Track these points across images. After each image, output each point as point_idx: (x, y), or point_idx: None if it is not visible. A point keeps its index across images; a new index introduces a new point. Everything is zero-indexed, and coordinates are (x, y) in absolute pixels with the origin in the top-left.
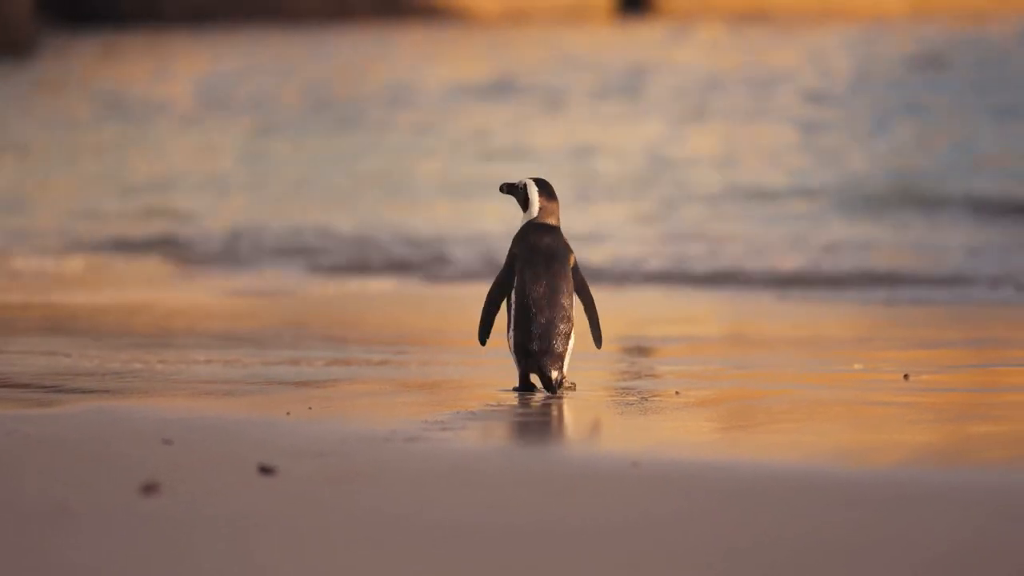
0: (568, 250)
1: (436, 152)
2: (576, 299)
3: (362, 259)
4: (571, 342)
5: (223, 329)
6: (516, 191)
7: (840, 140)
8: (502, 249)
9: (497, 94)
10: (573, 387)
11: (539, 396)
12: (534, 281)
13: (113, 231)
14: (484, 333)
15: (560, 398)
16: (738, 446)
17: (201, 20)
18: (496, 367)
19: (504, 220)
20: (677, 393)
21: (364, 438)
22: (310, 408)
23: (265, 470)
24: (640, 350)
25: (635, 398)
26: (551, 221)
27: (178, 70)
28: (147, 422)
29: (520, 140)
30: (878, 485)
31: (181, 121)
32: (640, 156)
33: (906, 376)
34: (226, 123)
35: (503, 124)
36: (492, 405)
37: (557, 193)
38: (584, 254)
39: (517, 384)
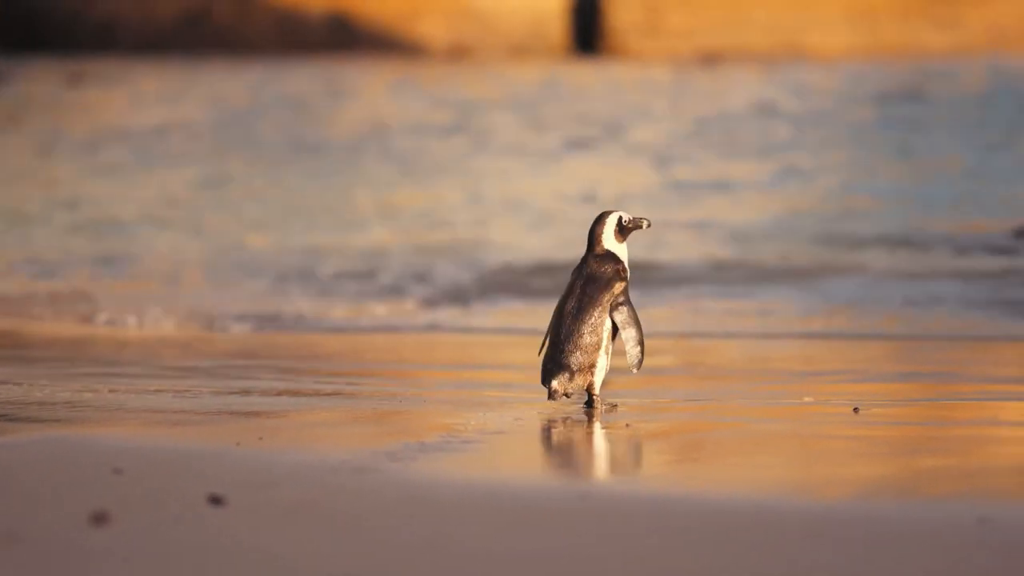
0: (617, 277)
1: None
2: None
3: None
4: (601, 361)
5: (175, 358)
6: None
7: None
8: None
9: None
10: (614, 407)
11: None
12: (570, 298)
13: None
14: (542, 345)
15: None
16: (688, 479)
17: (157, 50)
18: (447, 399)
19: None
20: (627, 425)
21: (314, 469)
22: (261, 438)
23: (215, 500)
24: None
25: (586, 431)
26: (599, 249)
27: (133, 100)
28: (97, 451)
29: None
30: (829, 519)
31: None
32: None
33: (856, 409)
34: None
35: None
36: (443, 436)
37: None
38: (540, 284)
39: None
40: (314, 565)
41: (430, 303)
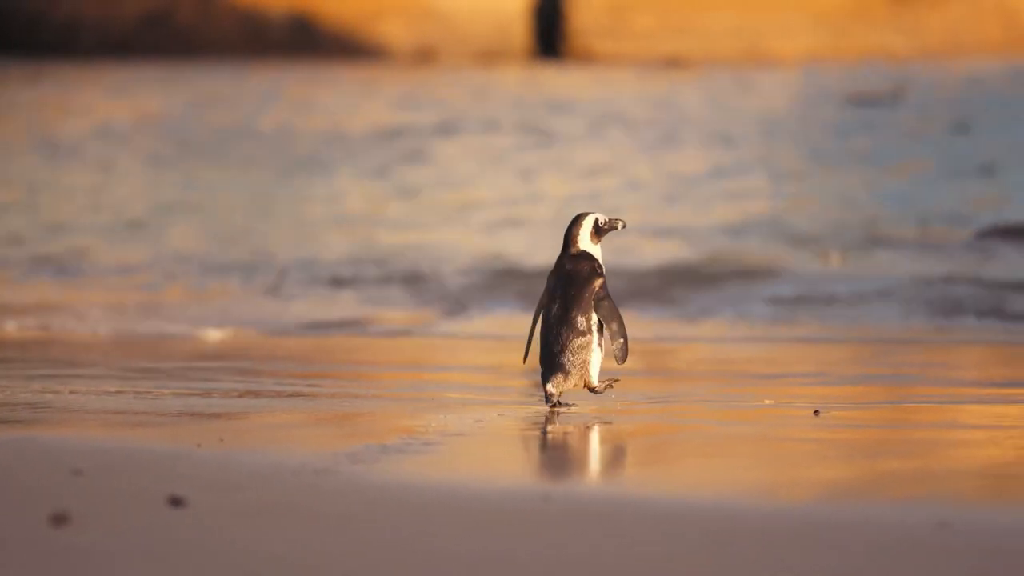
0: (595, 274)
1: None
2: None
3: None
4: (594, 356)
5: (135, 360)
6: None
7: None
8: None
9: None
10: (617, 380)
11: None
12: (552, 302)
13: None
14: (526, 351)
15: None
16: (650, 481)
17: (120, 53)
18: (408, 400)
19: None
20: (588, 427)
21: (275, 470)
22: (222, 440)
23: (175, 501)
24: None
25: (547, 432)
26: (575, 249)
27: (88, 106)
28: (57, 453)
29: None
30: (789, 521)
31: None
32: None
33: (816, 412)
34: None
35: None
36: (404, 438)
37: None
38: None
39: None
40: (275, 566)
41: (387, 305)
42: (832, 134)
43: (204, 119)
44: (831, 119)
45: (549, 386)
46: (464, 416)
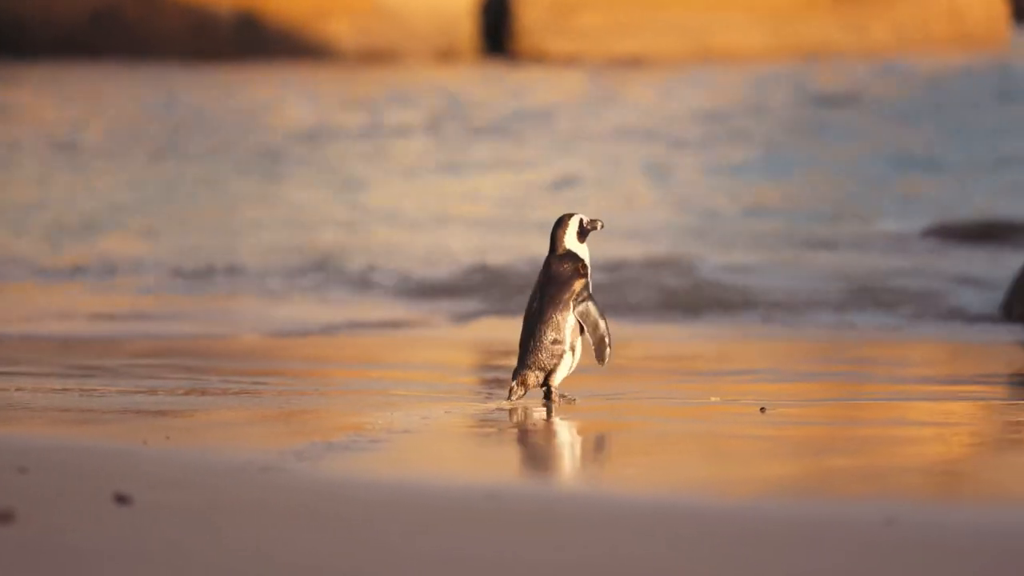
0: (577, 275)
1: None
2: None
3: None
4: (564, 360)
5: (81, 358)
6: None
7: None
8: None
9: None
10: (572, 401)
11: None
12: (534, 299)
13: None
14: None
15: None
16: (597, 478)
17: (64, 52)
18: (355, 398)
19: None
20: (535, 425)
21: (221, 468)
22: (168, 437)
23: (121, 499)
24: (499, 381)
25: (494, 429)
26: (564, 250)
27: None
28: (2, 450)
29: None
30: (734, 518)
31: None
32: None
33: (763, 409)
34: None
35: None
36: (350, 435)
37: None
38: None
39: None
40: (220, 564)
41: (332, 304)
42: (776, 132)
43: (131, 118)
44: (773, 117)
45: (513, 381)
46: (411, 413)
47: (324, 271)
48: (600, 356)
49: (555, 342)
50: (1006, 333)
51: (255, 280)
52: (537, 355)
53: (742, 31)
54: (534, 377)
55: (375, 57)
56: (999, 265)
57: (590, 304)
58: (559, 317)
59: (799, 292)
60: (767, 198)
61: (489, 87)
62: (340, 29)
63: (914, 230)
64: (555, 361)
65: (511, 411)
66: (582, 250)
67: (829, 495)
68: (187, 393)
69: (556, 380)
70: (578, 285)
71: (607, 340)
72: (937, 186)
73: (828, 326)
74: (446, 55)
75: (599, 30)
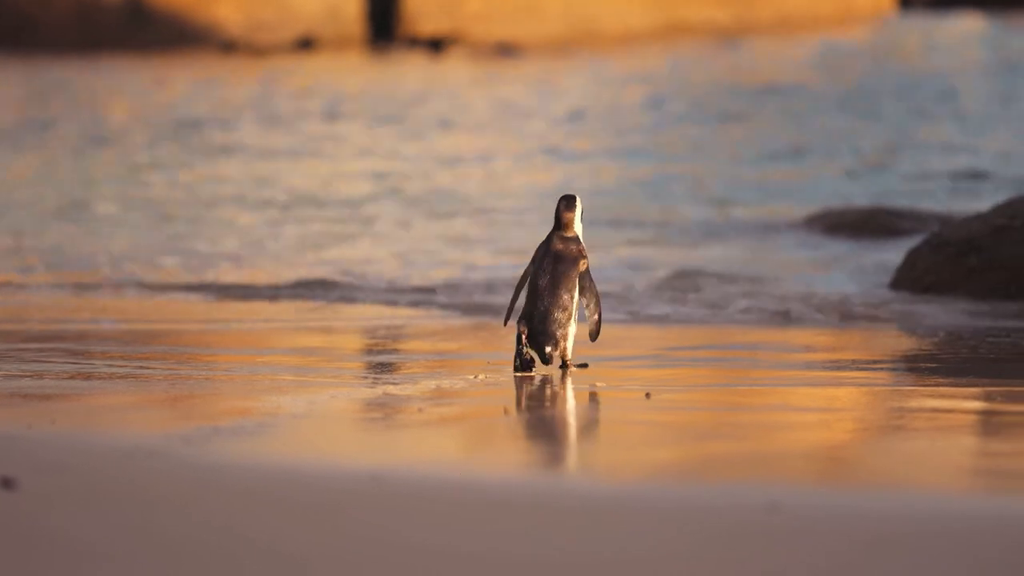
0: (580, 256)
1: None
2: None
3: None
4: (571, 330)
5: None
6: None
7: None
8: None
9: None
10: (585, 366)
11: (534, 373)
12: (542, 275)
13: None
14: (508, 314)
15: (535, 375)
16: (480, 463)
17: None
18: (242, 382)
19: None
20: (420, 410)
21: (107, 452)
22: (53, 422)
23: (6, 483)
24: (384, 366)
25: (379, 414)
26: (570, 232)
27: None
28: None
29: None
30: (616, 503)
31: None
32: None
33: (648, 395)
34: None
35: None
36: (237, 420)
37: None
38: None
39: (514, 365)
40: (106, 549)
41: (223, 292)
42: (650, 119)
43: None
44: (644, 104)
45: (548, 348)
46: (297, 398)
47: (201, 259)
48: (594, 331)
49: (566, 316)
50: (887, 320)
51: (144, 265)
52: (557, 326)
53: (624, 14)
54: (556, 345)
55: (259, 43)
56: (882, 251)
57: (592, 284)
58: (569, 294)
59: (687, 277)
60: (634, 186)
61: (370, 72)
62: (225, 14)
63: (794, 218)
64: (565, 331)
65: (570, 373)
66: (581, 233)
67: (712, 480)
68: (72, 377)
69: (569, 351)
70: (583, 265)
71: (600, 317)
72: (812, 171)
73: (713, 311)
74: (331, 41)
75: (482, 15)
